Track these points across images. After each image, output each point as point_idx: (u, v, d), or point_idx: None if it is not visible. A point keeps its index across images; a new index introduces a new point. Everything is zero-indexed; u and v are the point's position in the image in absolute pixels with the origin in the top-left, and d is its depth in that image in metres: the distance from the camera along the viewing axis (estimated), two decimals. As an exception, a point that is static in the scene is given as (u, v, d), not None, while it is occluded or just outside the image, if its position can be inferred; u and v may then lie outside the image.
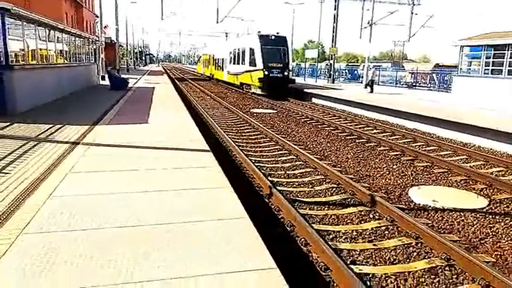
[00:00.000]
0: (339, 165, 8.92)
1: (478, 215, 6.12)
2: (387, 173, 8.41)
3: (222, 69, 35.00)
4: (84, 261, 3.19)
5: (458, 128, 12.54)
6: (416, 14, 35.84)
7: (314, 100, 23.17)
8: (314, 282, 4.16)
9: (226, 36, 66.91)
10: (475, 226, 5.72)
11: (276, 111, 18.47)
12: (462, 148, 10.71)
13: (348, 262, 4.50)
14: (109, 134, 8.58)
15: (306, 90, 24.91)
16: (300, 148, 9.86)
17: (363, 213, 6.02)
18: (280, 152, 9.79)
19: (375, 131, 13.55)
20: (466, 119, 12.70)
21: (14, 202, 4.48)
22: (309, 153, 9.49)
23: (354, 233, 5.32)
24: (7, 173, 5.64)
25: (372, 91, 23.84)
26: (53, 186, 5.00)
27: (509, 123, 11.78)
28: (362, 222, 5.72)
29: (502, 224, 5.84)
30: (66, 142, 7.72)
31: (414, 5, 35.64)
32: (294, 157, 9.26)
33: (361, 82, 30.06)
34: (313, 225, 5.41)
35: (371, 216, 5.92)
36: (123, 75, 25.38)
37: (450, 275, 4.32)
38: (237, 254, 3.41)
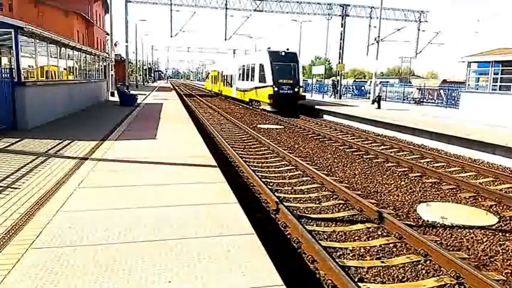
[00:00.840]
0: (346, 181, 8.88)
1: (487, 232, 6.04)
2: (395, 189, 8.35)
3: (231, 86, 34.81)
4: (92, 277, 3.20)
5: (467, 144, 12.46)
6: (423, 31, 36.17)
7: (322, 115, 23.20)
8: (321, 299, 4.12)
9: (234, 53, 67.78)
10: (485, 243, 5.64)
11: (282, 126, 18.53)
12: (471, 164, 10.62)
13: (356, 280, 4.45)
14: (117, 149, 8.66)
15: (316, 106, 24.83)
16: (307, 164, 9.85)
17: (370, 229, 5.97)
18: (287, 168, 9.79)
19: (382, 146, 13.51)
20: (473, 135, 12.62)
21: (23, 217, 4.53)
22: (315, 168, 9.48)
23: (362, 250, 5.27)
24: (17, 188, 5.71)
25: (379, 107, 23.83)
26: (62, 201, 5.04)
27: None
28: (370, 239, 5.67)
29: (513, 241, 5.75)
30: (75, 158, 7.81)
31: (421, 21, 35.98)
32: (301, 173, 9.25)
33: (369, 98, 30.07)
34: (320, 241, 5.37)
35: (379, 233, 5.87)
36: (132, 92, 25.69)
37: (460, 294, 4.25)
38: (243, 270, 3.39)
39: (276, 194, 7.42)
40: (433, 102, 30.81)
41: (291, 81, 24.29)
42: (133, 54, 60.05)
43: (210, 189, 5.80)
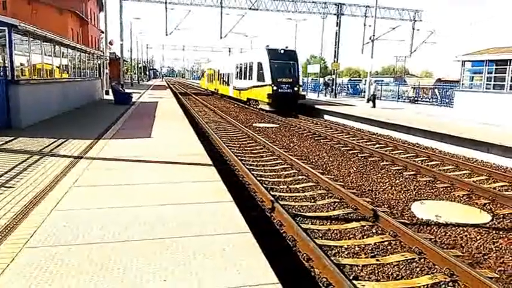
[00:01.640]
0: (341, 180, 8.92)
1: (481, 230, 6.09)
2: (390, 187, 8.39)
3: (228, 84, 33.97)
4: (87, 276, 3.20)
5: (460, 143, 12.54)
6: (418, 30, 36.32)
7: (318, 114, 23.22)
8: (316, 297, 4.14)
9: (229, 51, 67.63)
10: (478, 241, 5.69)
11: (278, 125, 18.54)
12: (464, 163, 10.69)
13: (351, 277, 4.47)
14: (112, 148, 8.63)
15: (313, 105, 24.72)
16: (302, 162, 9.87)
17: (365, 228, 6.00)
18: (282, 166, 9.80)
19: (377, 145, 13.56)
20: (467, 133, 12.71)
21: (18, 215, 4.51)
22: (311, 167, 9.50)
23: (357, 248, 5.30)
24: (11, 187, 5.68)
25: (374, 106, 23.91)
26: (57, 200, 5.02)
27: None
28: (365, 237, 5.70)
29: (506, 239, 5.80)
30: (70, 156, 7.78)
31: (415, 21, 36.13)
32: (296, 171, 9.27)
33: (363, 97, 30.16)
34: (315, 240, 5.40)
35: (374, 231, 5.90)
36: (127, 90, 25.56)
37: (453, 291, 4.29)
38: (238, 268, 3.40)
39: (271, 192, 7.43)
40: (427, 101, 31.00)
41: (291, 80, 23.60)
42: (128, 52, 59.81)
43: (205, 187, 5.80)
